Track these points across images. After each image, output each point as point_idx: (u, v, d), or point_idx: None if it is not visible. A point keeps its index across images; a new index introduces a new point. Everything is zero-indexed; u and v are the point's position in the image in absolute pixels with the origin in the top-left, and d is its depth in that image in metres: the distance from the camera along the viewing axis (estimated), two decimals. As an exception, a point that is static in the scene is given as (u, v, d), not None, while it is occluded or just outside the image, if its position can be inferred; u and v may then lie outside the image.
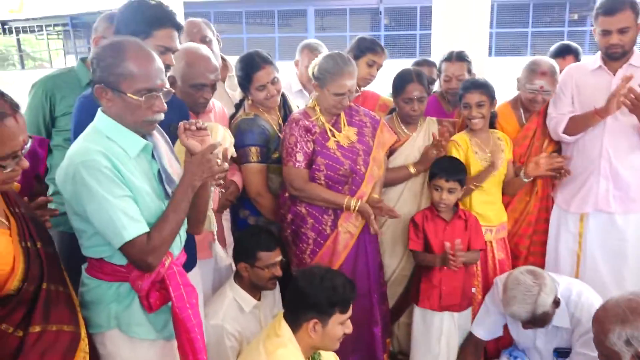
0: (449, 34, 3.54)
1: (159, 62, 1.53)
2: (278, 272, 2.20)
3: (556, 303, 2.17)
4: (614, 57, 2.45)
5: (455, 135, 2.58)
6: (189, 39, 2.65)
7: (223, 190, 2.35)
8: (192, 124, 1.57)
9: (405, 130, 2.60)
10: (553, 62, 2.60)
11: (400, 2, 14.95)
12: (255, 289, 2.26)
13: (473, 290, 2.48)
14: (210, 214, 1.85)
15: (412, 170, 2.53)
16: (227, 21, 16.37)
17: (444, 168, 2.39)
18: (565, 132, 2.54)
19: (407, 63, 2.85)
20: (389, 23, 15.71)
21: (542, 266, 2.65)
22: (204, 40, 2.73)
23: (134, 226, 1.44)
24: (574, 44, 3.13)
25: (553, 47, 3.13)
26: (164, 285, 1.56)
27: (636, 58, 2.46)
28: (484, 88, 2.49)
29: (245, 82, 2.41)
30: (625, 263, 2.57)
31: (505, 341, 2.61)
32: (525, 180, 2.52)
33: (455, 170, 2.38)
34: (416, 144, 2.58)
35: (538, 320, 2.16)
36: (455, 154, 2.51)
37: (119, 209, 1.42)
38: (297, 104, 2.83)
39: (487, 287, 2.55)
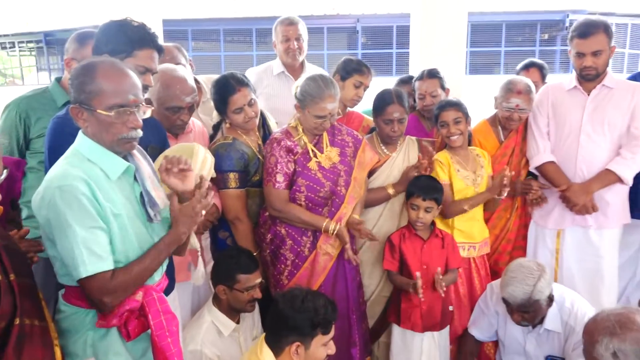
0: (426, 52, 3.60)
1: (133, 79, 1.51)
2: (257, 294, 2.17)
3: (550, 299, 2.17)
4: (588, 79, 2.53)
5: (437, 154, 2.60)
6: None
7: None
8: (175, 165, 1.53)
9: (385, 150, 2.61)
10: (529, 81, 2.66)
11: (377, 21, 15.19)
12: (234, 312, 2.22)
13: (450, 308, 2.47)
14: (200, 268, 1.84)
15: (391, 191, 2.54)
16: (205, 39, 16.36)
17: (420, 187, 2.40)
18: (536, 169, 2.65)
19: (384, 81, 2.88)
20: (366, 42, 15.93)
21: (521, 283, 2.68)
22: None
23: (93, 263, 1.40)
24: (538, 60, 3.24)
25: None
26: (143, 313, 1.51)
27: (609, 79, 2.54)
28: (459, 105, 2.54)
29: (222, 105, 2.37)
30: (600, 280, 2.61)
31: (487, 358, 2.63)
32: (500, 197, 2.52)
33: (432, 190, 2.39)
34: (396, 164, 2.59)
35: (530, 310, 2.14)
36: (440, 172, 2.52)
37: (83, 242, 1.39)
38: (279, 87, 2.81)
39: (472, 303, 2.55)
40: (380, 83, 2.80)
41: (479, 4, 13.50)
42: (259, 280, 2.19)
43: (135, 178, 1.55)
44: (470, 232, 2.58)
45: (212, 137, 2.54)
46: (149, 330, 1.52)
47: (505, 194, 2.47)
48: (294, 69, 3.16)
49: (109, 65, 1.50)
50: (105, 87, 1.45)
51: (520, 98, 2.57)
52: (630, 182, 2.51)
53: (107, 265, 1.42)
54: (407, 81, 3.23)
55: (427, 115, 2.87)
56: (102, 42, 1.82)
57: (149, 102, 2.10)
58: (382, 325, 2.66)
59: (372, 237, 2.36)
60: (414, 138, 2.68)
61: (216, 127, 2.55)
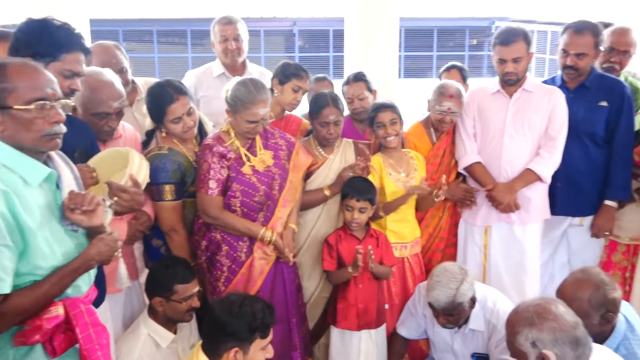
0: (360, 56, 3.67)
1: (48, 74, 1.45)
2: (196, 303, 2.12)
3: (473, 301, 2.25)
4: (510, 84, 2.67)
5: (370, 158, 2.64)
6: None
7: (134, 221, 2.26)
8: (78, 206, 1.44)
9: (322, 153, 2.63)
10: (460, 85, 2.78)
11: (313, 25, 15.31)
12: (171, 323, 2.16)
13: (386, 306, 2.53)
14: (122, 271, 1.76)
15: (327, 192, 2.55)
16: (137, 40, 15.80)
17: (354, 188, 2.44)
18: (464, 169, 2.78)
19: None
20: (303, 45, 16.02)
21: (454, 279, 2.80)
22: (122, 71, 2.64)
23: None
24: (459, 63, 3.42)
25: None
26: (70, 326, 1.44)
27: (529, 83, 2.70)
28: (393, 107, 2.60)
29: (158, 115, 2.29)
30: (524, 273, 2.76)
31: (422, 353, 2.71)
32: (437, 200, 2.60)
33: (366, 190, 2.44)
34: (333, 166, 2.61)
35: (454, 312, 2.21)
36: (370, 177, 2.56)
37: None
38: (220, 89, 2.78)
39: (405, 302, 2.60)
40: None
41: (411, 9, 13.92)
42: (196, 289, 2.14)
43: (58, 185, 1.47)
44: (402, 233, 2.65)
45: (145, 143, 2.45)
46: (77, 345, 1.45)
47: (442, 198, 2.54)
48: (235, 70, 3.12)
49: (21, 62, 1.43)
50: (19, 84, 1.38)
51: (452, 101, 2.68)
52: (549, 180, 2.67)
53: (3, 288, 1.33)
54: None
55: (358, 118, 2.92)
56: (22, 44, 1.73)
57: (74, 108, 2.01)
58: (322, 327, 2.68)
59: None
60: (350, 140, 2.72)
61: (150, 134, 2.46)
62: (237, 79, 2.33)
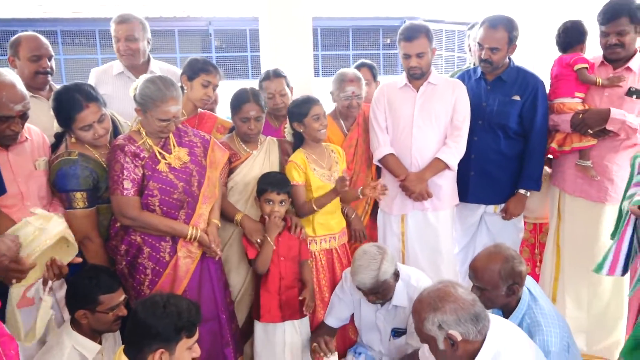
0: (276, 56, 3.70)
1: None
2: (123, 312, 2.04)
3: (396, 275, 2.36)
4: (415, 77, 2.82)
5: (292, 155, 2.68)
6: (36, 54, 2.55)
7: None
8: None
9: (246, 149, 2.63)
10: (356, 70, 2.93)
11: (229, 24, 15.09)
12: (96, 333, 2.08)
13: (300, 298, 2.56)
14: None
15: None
16: (77, 42, 14.77)
17: (273, 183, 2.48)
18: (379, 161, 2.89)
19: (240, 83, 2.90)
20: (220, 45, 15.76)
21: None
22: (51, 59, 2.63)
23: None
24: (368, 61, 3.54)
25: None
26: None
27: (433, 77, 2.86)
28: (319, 102, 2.64)
29: (66, 121, 2.19)
30: (439, 256, 2.93)
31: (351, 342, 2.80)
32: (361, 197, 2.70)
33: (285, 184, 2.51)
34: (257, 161, 2.62)
35: (381, 290, 2.31)
36: (294, 174, 2.60)
37: None
38: (118, 88, 2.69)
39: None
40: (237, 86, 2.78)
41: (326, 9, 14.15)
42: (122, 297, 2.07)
43: None
44: (329, 224, 2.71)
45: (54, 146, 2.34)
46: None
47: (365, 195, 2.64)
48: (136, 69, 3.02)
49: None
50: None
51: (353, 85, 2.82)
52: (455, 168, 2.84)
53: None
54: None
55: (277, 114, 2.95)
56: None
57: None
58: (251, 325, 2.69)
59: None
60: (274, 139, 2.75)
61: (59, 137, 2.34)
62: (145, 76, 2.28)
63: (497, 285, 2.07)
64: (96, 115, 2.19)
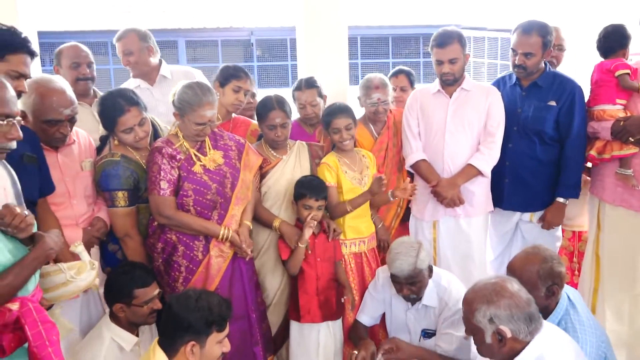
0: (312, 65, 3.77)
1: (12, 90, 1.51)
2: (157, 305, 2.14)
3: (430, 270, 2.39)
4: (448, 83, 2.83)
5: (325, 157, 2.73)
6: (76, 62, 2.70)
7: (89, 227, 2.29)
8: (6, 227, 1.49)
9: (275, 154, 2.69)
10: (382, 75, 2.95)
11: (270, 34, 15.39)
12: (133, 326, 2.18)
13: (342, 299, 2.63)
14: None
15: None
16: (91, 52, 15.44)
17: (311, 189, 2.53)
18: (411, 167, 2.90)
19: (281, 92, 2.95)
20: (261, 54, 16.09)
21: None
22: (90, 66, 2.78)
23: None
24: (406, 68, 3.56)
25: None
26: (18, 325, 1.46)
27: (467, 82, 2.85)
28: (349, 112, 2.69)
29: (109, 124, 2.33)
30: (472, 262, 2.91)
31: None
32: (392, 199, 2.72)
33: (322, 189, 2.56)
34: (287, 166, 2.68)
35: (416, 279, 2.33)
36: (327, 175, 2.66)
37: None
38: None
39: (363, 295, 2.70)
40: (279, 94, 2.81)
41: (365, 18, 14.21)
42: (157, 291, 2.17)
43: None
44: (359, 228, 2.75)
45: (99, 149, 2.48)
46: (27, 344, 1.48)
47: (396, 197, 2.66)
48: (147, 77, 3.11)
49: None
50: None
51: (379, 92, 2.85)
52: (489, 175, 2.82)
53: None
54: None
55: (309, 122, 3.00)
56: None
57: (23, 114, 2.04)
58: (285, 329, 2.74)
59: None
60: (304, 143, 2.80)
61: (104, 140, 2.49)
62: (183, 82, 2.38)
63: (536, 285, 2.02)
64: (137, 119, 2.31)
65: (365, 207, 2.78)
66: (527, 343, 1.72)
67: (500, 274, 1.93)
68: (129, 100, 2.32)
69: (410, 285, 2.36)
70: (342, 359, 2.73)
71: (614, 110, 2.70)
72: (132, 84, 3.15)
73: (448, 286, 2.44)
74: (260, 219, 2.61)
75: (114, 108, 2.30)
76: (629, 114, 2.66)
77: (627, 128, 2.60)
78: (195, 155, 2.37)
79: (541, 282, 2.01)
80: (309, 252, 2.55)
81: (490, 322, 1.70)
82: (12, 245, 1.51)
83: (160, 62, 3.18)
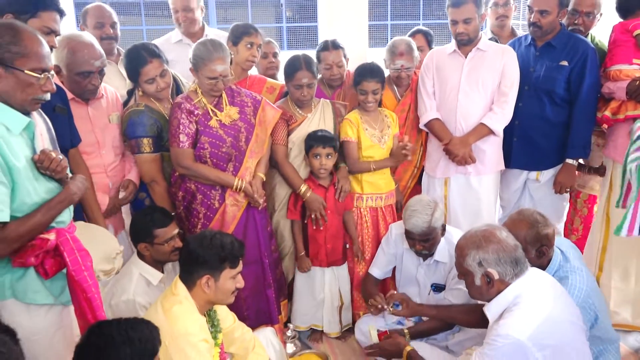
0: (333, 26, 3.81)
1: (47, 47, 1.64)
2: (178, 243, 2.31)
3: (443, 228, 2.48)
4: (463, 43, 2.85)
5: (348, 114, 2.82)
6: (100, 21, 2.84)
7: (122, 189, 2.48)
8: (46, 170, 1.64)
9: (301, 112, 2.78)
10: (409, 40, 2.95)
11: (300, -5, 15.20)
12: (158, 264, 2.36)
13: (347, 246, 2.80)
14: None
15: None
16: (125, 12, 15.61)
17: (318, 138, 2.65)
18: (425, 125, 2.96)
19: (310, 53, 2.98)
20: (291, 15, 15.94)
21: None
22: (114, 26, 2.91)
23: None
24: (424, 28, 3.56)
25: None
26: (58, 252, 1.65)
27: (483, 43, 2.87)
28: (379, 76, 2.73)
29: (134, 75, 2.49)
30: (480, 219, 2.95)
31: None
32: (408, 159, 2.83)
33: (329, 138, 2.67)
34: (312, 123, 2.77)
35: (430, 237, 2.42)
36: (348, 130, 2.75)
37: None
38: (177, 54, 2.93)
39: (377, 247, 2.82)
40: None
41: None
42: (176, 231, 2.33)
43: (34, 134, 1.66)
44: (378, 184, 2.84)
45: (125, 102, 2.65)
46: (65, 270, 1.67)
47: (409, 158, 2.78)
48: (193, 35, 3.26)
49: (31, 30, 1.62)
50: (31, 50, 1.57)
51: (403, 59, 2.88)
52: (501, 134, 2.87)
53: (2, 216, 1.52)
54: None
55: (333, 84, 3.05)
56: (4, 2, 1.91)
57: (57, 69, 2.20)
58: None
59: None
60: (328, 101, 2.87)
61: (130, 93, 2.65)
62: (199, 40, 2.49)
63: (526, 249, 2.10)
64: (158, 70, 2.46)
65: None
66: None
67: (491, 223, 2.02)
68: (151, 52, 2.46)
69: (424, 242, 2.45)
70: (350, 303, 2.91)
71: (631, 70, 2.69)
72: (174, 37, 3.32)
73: (452, 239, 2.51)
74: (287, 178, 2.73)
75: (138, 59, 2.45)
76: None
77: None
78: (212, 110, 2.50)
79: (530, 246, 2.11)
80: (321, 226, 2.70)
81: (479, 265, 1.83)
82: (52, 186, 1.68)
83: (204, 24, 3.34)
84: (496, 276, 1.82)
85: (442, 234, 2.50)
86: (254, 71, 3.15)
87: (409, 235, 2.48)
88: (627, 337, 2.83)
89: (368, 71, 2.74)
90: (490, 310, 1.87)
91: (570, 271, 2.13)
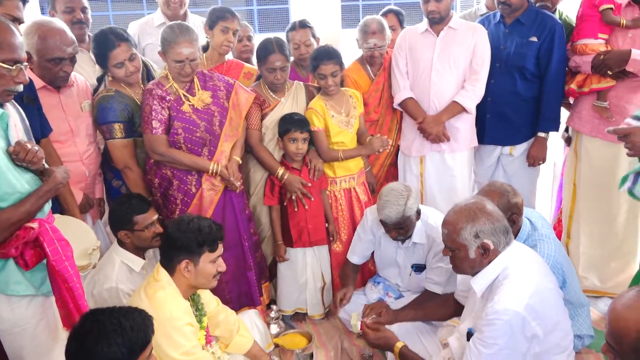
0: (304, 8, 3.79)
1: (20, 36, 1.61)
2: (158, 229, 2.30)
3: (418, 213, 2.49)
4: (434, 22, 2.88)
5: (311, 102, 2.81)
6: (70, 6, 2.77)
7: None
8: (21, 162, 1.63)
9: (274, 96, 2.78)
10: (381, 19, 2.96)
11: (271, -24, 15.00)
12: (140, 251, 2.36)
13: (327, 225, 2.85)
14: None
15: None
16: None
17: (295, 122, 2.66)
18: (399, 105, 2.99)
19: (281, 36, 2.97)
20: (262, -3, 15.73)
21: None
22: (84, 10, 2.86)
23: None
24: (395, 7, 3.55)
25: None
26: (37, 243, 1.65)
27: (454, 21, 2.90)
28: (335, 57, 2.72)
29: (102, 60, 2.46)
30: (455, 195, 3.03)
31: (371, 273, 3.00)
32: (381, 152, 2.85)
33: (305, 123, 2.70)
34: (285, 107, 2.77)
35: (404, 225, 2.44)
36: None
37: None
38: (157, 39, 2.90)
39: (353, 229, 2.86)
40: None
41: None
42: (155, 216, 2.33)
43: (7, 125, 1.64)
44: (348, 166, 2.87)
45: (96, 90, 2.61)
46: (45, 261, 1.67)
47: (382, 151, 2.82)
48: (177, 19, 3.19)
49: (3, 21, 1.58)
50: (2, 41, 1.54)
51: (375, 38, 2.89)
52: (473, 111, 2.92)
53: None
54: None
55: (303, 64, 3.06)
56: None
57: (28, 55, 2.16)
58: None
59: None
60: (301, 83, 2.87)
61: (100, 80, 2.62)
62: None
63: None
64: (127, 54, 2.43)
65: (353, 145, 2.87)
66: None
67: (475, 196, 2.06)
68: (119, 36, 2.43)
69: (399, 229, 2.47)
70: (332, 283, 2.96)
71: (596, 44, 2.76)
72: (157, 20, 3.24)
73: (435, 224, 2.50)
74: (263, 163, 2.74)
75: (105, 43, 2.42)
76: (609, 49, 2.73)
77: (607, 62, 2.67)
78: (185, 95, 2.48)
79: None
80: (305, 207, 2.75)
81: (475, 238, 1.84)
82: (29, 177, 1.67)
83: (186, 10, 3.28)
84: (492, 246, 1.84)
85: (418, 219, 2.51)
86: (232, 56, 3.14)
87: (383, 224, 2.49)
88: (598, 303, 2.95)
89: (324, 54, 2.72)
90: (477, 282, 1.89)
91: (539, 239, 2.22)
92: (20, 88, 1.63)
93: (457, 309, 2.33)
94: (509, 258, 1.87)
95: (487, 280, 1.88)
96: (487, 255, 1.86)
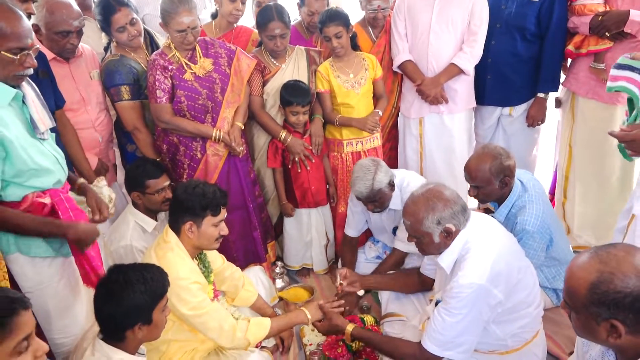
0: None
1: (27, 22, 1.67)
2: (168, 194, 2.44)
3: (391, 185, 2.52)
4: None
5: (320, 65, 2.86)
6: None
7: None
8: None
9: (275, 62, 2.83)
10: None
11: None
12: (152, 213, 2.51)
13: (327, 186, 2.99)
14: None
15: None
16: None
17: (297, 96, 2.71)
18: (398, 67, 3.03)
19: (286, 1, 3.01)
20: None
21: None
22: None
23: None
24: None
25: None
26: (54, 211, 1.78)
27: None
28: (340, 19, 2.73)
29: (105, 25, 2.55)
30: (454, 155, 3.13)
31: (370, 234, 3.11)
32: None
33: (307, 95, 2.75)
34: (286, 73, 2.82)
35: (377, 198, 2.48)
36: (319, 84, 2.82)
37: None
38: (156, 7, 2.88)
39: None
40: (288, 2, 2.88)
41: None
42: (167, 182, 2.47)
43: (24, 101, 1.74)
44: (356, 129, 2.92)
45: (103, 59, 2.70)
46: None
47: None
48: None
49: (7, 8, 1.62)
50: (7, 31, 1.59)
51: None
52: (470, 73, 2.95)
53: None
54: None
55: (313, 30, 3.07)
56: None
57: (36, 28, 2.26)
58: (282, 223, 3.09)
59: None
60: (302, 48, 2.90)
61: (106, 48, 2.72)
62: None
63: (490, 181, 2.30)
64: (127, 18, 2.53)
65: (365, 109, 2.92)
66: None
67: (428, 182, 2.09)
68: (119, 1, 2.52)
69: (373, 202, 2.51)
70: (334, 239, 3.11)
71: (594, 5, 2.74)
72: None
73: (408, 186, 2.57)
74: (266, 127, 2.83)
75: (107, 8, 2.51)
76: (608, 9, 2.72)
77: (605, 23, 2.67)
78: (186, 64, 2.56)
79: (494, 177, 2.28)
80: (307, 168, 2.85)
81: (437, 225, 1.90)
82: (43, 148, 1.77)
83: None
84: (453, 229, 1.91)
85: (392, 190, 2.53)
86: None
87: (358, 199, 2.54)
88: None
89: (327, 17, 2.75)
90: (444, 260, 1.95)
91: (528, 201, 2.31)
92: (30, 71, 1.70)
93: (420, 283, 2.41)
94: (468, 232, 1.93)
95: (452, 256, 1.93)
96: (450, 237, 1.92)
